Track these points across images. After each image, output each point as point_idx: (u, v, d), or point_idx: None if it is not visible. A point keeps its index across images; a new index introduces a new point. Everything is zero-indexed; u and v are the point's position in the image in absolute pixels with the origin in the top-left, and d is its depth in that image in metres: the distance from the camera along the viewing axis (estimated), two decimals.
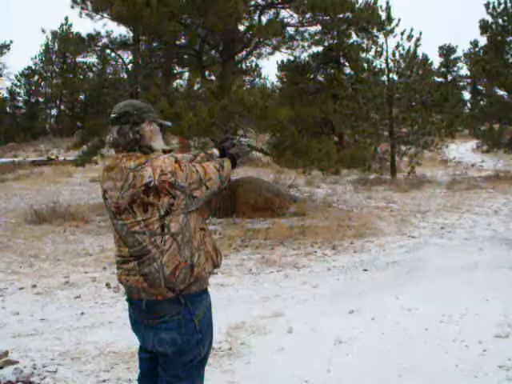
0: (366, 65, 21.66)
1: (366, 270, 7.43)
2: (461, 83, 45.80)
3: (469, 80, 44.56)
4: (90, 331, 5.14)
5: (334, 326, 4.84)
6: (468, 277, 6.43)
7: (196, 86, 12.54)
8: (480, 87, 35.63)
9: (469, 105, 41.87)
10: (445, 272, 6.74)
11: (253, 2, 12.37)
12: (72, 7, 14.15)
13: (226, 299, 6.11)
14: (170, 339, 2.52)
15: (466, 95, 44.54)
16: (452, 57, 46.31)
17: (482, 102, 34.56)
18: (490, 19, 21.51)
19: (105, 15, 13.68)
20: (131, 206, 2.48)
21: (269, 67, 26.25)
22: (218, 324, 4.98)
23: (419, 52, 21.06)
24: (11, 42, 35.49)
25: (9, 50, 35.64)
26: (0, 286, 6.94)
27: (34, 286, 6.94)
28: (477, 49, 37.50)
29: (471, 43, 41.32)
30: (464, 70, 45.65)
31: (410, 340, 4.47)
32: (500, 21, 21.28)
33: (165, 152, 2.70)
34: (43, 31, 24.01)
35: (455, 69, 46.80)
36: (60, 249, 9.39)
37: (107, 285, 6.86)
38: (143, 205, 2.45)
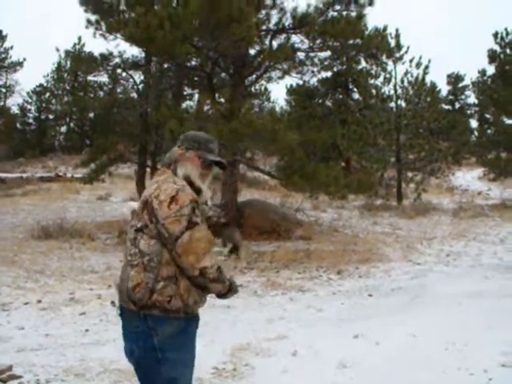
0: (374, 91, 21.86)
1: (370, 296, 7.42)
2: (468, 111, 45.96)
3: (476, 108, 44.67)
4: (94, 348, 5.14)
5: (338, 350, 4.84)
6: (473, 304, 6.41)
7: (206, 108, 12.67)
8: (487, 116, 35.73)
9: (476, 133, 41.93)
10: (450, 299, 6.73)
11: (264, 27, 12.52)
12: (86, 27, 14.44)
13: (230, 321, 6.11)
14: (129, 349, 2.53)
15: (474, 123, 44.63)
16: (460, 85, 46.50)
17: (489, 131, 34.67)
18: (498, 49, 21.74)
19: (118, 36, 13.89)
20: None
21: (277, 91, 26.55)
22: (223, 345, 5.02)
23: (427, 79, 21.27)
24: (24, 59, 36.05)
25: (22, 67, 36.17)
26: (6, 301, 6.96)
27: (39, 302, 6.96)
28: (485, 77, 37.69)
29: (479, 72, 41.51)
30: (472, 99, 45.76)
31: (414, 366, 4.45)
32: (508, 50, 21.51)
33: (188, 181, 2.61)
34: (57, 50, 24.34)
35: (463, 97, 46.98)
36: (66, 265, 9.42)
37: (112, 303, 6.86)
38: (139, 214, 2.55)
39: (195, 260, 2.40)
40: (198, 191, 2.62)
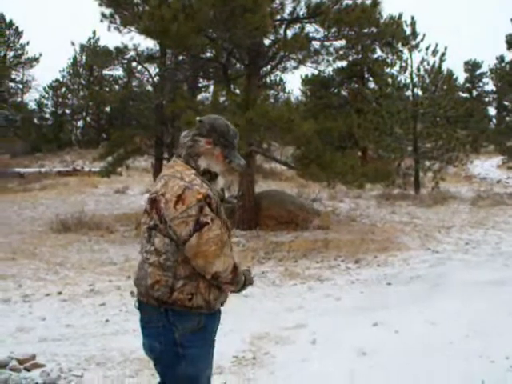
0: (390, 80, 21.63)
1: (389, 284, 7.40)
2: (486, 99, 45.44)
3: (494, 95, 44.17)
4: (115, 338, 5.20)
5: (357, 338, 4.82)
6: (493, 292, 6.34)
7: (221, 99, 12.67)
8: (506, 103, 35.29)
9: (494, 120, 41.48)
10: (469, 287, 6.66)
11: (278, 17, 12.46)
12: (101, 21, 14.49)
13: (249, 310, 6.14)
14: (149, 345, 2.49)
15: (492, 111, 44.15)
16: (477, 72, 45.96)
17: (507, 118, 34.25)
18: None
19: (133, 29, 13.95)
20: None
21: (292, 81, 26.43)
22: (242, 333, 5.04)
23: (444, 67, 21.00)
24: (41, 55, 36.33)
25: (38, 62, 36.44)
26: (27, 292, 7.07)
27: (60, 293, 7.05)
28: (503, 64, 37.20)
29: (497, 58, 41.01)
30: (489, 86, 45.29)
31: (434, 354, 4.43)
32: None
33: (204, 173, 2.52)
34: (72, 44, 24.58)
35: (480, 84, 46.44)
36: (85, 257, 9.52)
37: (131, 293, 6.91)
38: (149, 211, 2.48)
39: (205, 264, 2.34)
40: (214, 176, 2.56)
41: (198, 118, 2.63)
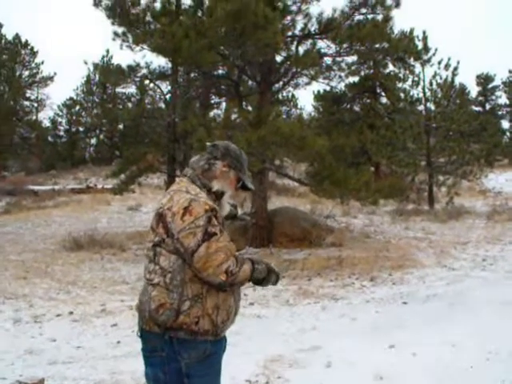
0: (402, 94, 21.56)
1: (405, 303, 7.24)
2: (499, 112, 45.18)
3: (508, 109, 43.94)
4: (126, 360, 5.09)
5: (373, 361, 4.69)
6: None
7: (233, 116, 12.65)
8: None
9: (508, 134, 41.21)
10: (489, 306, 6.50)
11: (290, 33, 12.46)
12: (113, 39, 14.55)
13: (262, 331, 6.00)
14: (153, 375, 2.39)
15: (506, 124, 43.86)
16: (490, 85, 45.76)
17: None
18: None
19: (145, 47, 14.00)
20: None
21: (304, 97, 26.36)
22: (255, 356, 4.92)
23: (456, 81, 20.87)
24: (55, 73, 36.72)
25: (53, 81, 36.83)
26: (38, 313, 7.00)
27: (71, 313, 6.98)
28: None
29: (510, 71, 40.87)
30: (503, 99, 45.07)
31: (454, 378, 4.29)
32: None
33: (215, 193, 2.49)
34: (85, 63, 24.72)
35: (493, 98, 46.21)
36: (97, 276, 9.46)
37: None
38: (154, 227, 2.43)
39: (214, 271, 2.26)
40: (219, 197, 2.52)
41: (209, 143, 2.64)
